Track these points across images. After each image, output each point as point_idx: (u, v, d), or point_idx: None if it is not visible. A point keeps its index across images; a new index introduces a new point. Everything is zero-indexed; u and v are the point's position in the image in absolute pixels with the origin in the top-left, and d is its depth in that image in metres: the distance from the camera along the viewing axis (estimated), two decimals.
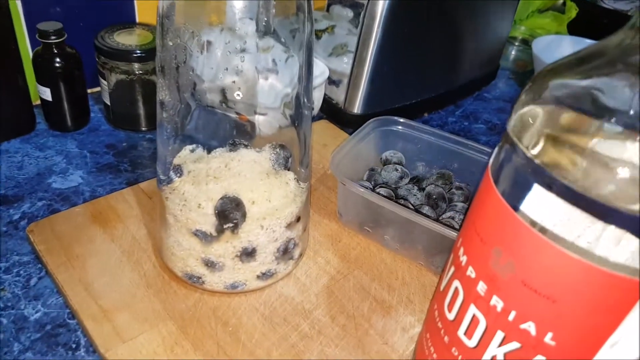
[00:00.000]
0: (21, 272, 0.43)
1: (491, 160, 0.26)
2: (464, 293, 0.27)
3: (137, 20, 0.64)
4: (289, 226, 0.40)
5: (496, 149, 0.26)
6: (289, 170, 0.40)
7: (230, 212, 0.37)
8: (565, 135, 0.22)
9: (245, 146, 0.40)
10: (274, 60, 0.38)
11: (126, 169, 0.55)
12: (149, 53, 0.56)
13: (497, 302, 0.25)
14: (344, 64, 0.64)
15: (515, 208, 0.23)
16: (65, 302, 0.41)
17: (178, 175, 0.39)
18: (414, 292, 0.43)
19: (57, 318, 0.40)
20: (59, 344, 0.38)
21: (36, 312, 0.40)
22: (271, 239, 0.39)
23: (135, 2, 0.63)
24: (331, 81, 0.65)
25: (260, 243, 0.39)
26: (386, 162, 0.52)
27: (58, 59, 0.55)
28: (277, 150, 0.40)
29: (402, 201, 0.47)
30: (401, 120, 0.53)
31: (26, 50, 0.58)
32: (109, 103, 0.59)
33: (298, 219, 0.41)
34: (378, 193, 0.46)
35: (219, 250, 0.39)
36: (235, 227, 0.38)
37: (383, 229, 0.45)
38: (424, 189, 0.49)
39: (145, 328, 0.38)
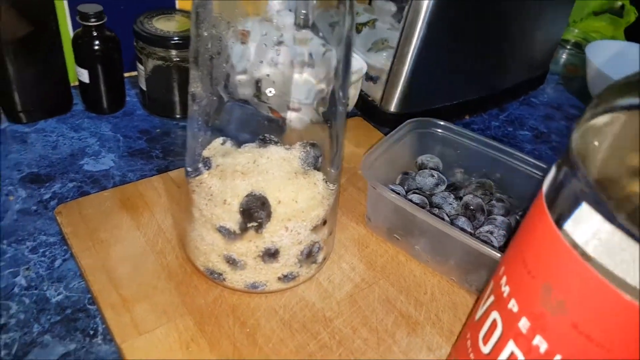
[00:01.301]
0: (47, 252, 0.43)
1: (546, 182, 0.24)
2: (503, 327, 0.25)
3: (177, 6, 0.64)
4: (315, 229, 0.39)
5: (552, 170, 0.24)
6: (318, 170, 0.39)
7: (255, 211, 0.36)
8: (637, 161, 0.19)
9: (275, 143, 0.38)
10: (310, 54, 0.36)
11: (157, 155, 0.55)
12: (186, 40, 0.55)
13: (540, 343, 0.23)
14: (383, 59, 0.62)
15: (572, 242, 0.21)
16: (87, 287, 0.40)
17: (206, 168, 0.38)
18: (443, 310, 0.41)
19: (77, 302, 0.40)
20: (78, 329, 0.38)
21: (58, 295, 0.40)
22: (295, 242, 0.38)
23: None
24: (368, 77, 0.63)
25: (284, 245, 0.38)
26: (421, 167, 0.50)
27: (97, 42, 0.54)
28: (308, 148, 0.38)
29: (436, 210, 0.45)
30: (441, 122, 0.50)
31: (67, 31, 0.58)
32: (145, 88, 0.59)
33: (324, 223, 0.40)
34: (411, 200, 0.44)
35: (242, 249, 0.38)
36: (259, 227, 0.37)
37: (414, 238, 0.43)
38: (461, 198, 0.46)
39: (162, 321, 0.38)
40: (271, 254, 0.38)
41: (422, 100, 0.62)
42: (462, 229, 0.40)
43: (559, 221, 0.22)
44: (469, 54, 0.62)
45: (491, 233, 0.43)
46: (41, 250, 0.43)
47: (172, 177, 0.50)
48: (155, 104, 0.59)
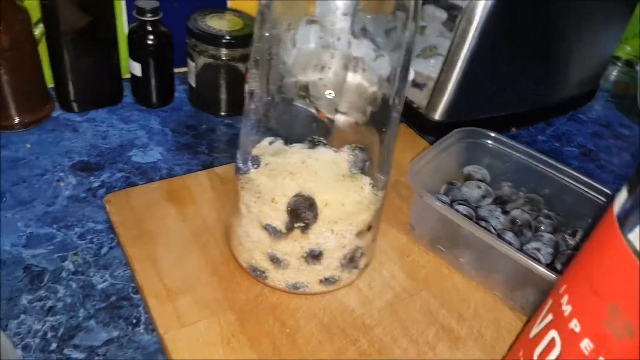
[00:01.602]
0: (94, 239, 0.44)
1: (617, 202, 0.23)
2: (561, 347, 0.24)
3: (228, 5, 0.64)
4: (359, 234, 0.39)
5: (624, 190, 0.23)
6: (365, 174, 0.38)
7: (302, 212, 0.37)
8: None
9: (324, 145, 0.38)
10: (362, 59, 0.36)
11: (203, 151, 0.56)
12: (237, 40, 0.56)
13: None
14: (431, 66, 0.62)
15: None
16: (132, 276, 0.41)
17: (255, 166, 0.38)
18: (487, 326, 0.40)
19: (122, 290, 0.41)
20: (121, 316, 0.39)
21: (103, 282, 0.41)
22: (339, 245, 0.38)
23: None
24: (415, 84, 0.63)
25: (328, 247, 0.38)
26: (468, 178, 0.49)
27: (151, 37, 0.56)
28: (356, 152, 0.38)
29: (482, 223, 0.44)
30: (491, 133, 0.49)
31: (122, 25, 0.60)
32: (194, 85, 0.59)
33: (369, 228, 0.39)
34: (457, 210, 0.44)
35: (286, 248, 0.38)
36: (305, 227, 0.37)
37: (459, 250, 0.42)
38: (507, 212, 0.45)
39: (205, 315, 0.38)
40: (315, 256, 0.38)
41: (468, 110, 0.61)
42: (511, 244, 0.39)
43: (631, 242, 0.21)
44: (519, 66, 0.61)
45: (538, 250, 0.42)
46: (89, 237, 0.44)
47: (218, 173, 0.51)
48: (203, 100, 0.60)
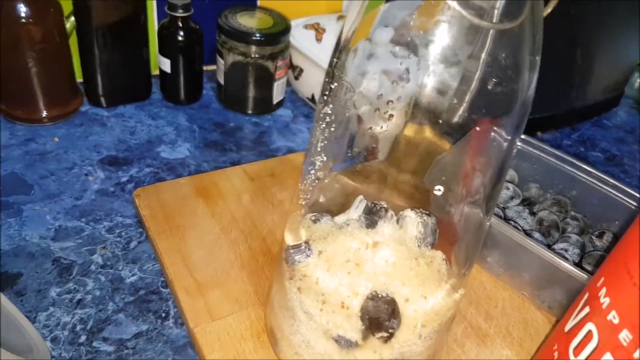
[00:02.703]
0: (123, 233, 0.45)
1: None
2: (599, 339, 0.24)
3: (259, 4, 0.65)
4: (446, 330, 0.32)
5: None
6: (434, 247, 0.31)
7: (385, 320, 0.29)
8: None
9: (385, 211, 0.31)
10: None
11: (231, 148, 0.56)
12: (267, 37, 0.56)
13: None
14: (452, 74, 0.61)
15: None
16: (162, 270, 0.41)
17: (307, 255, 0.31)
18: (514, 325, 0.40)
19: (151, 284, 0.41)
20: (150, 310, 0.39)
21: (132, 276, 0.41)
22: (426, 347, 0.31)
23: None
24: (438, 91, 0.63)
25: (414, 352, 0.31)
26: None
27: (182, 33, 0.56)
28: (425, 219, 0.30)
29: (510, 223, 0.44)
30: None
31: (153, 21, 0.60)
32: (222, 82, 0.60)
33: (454, 318, 0.33)
34: None
35: (360, 358, 0.31)
36: (389, 338, 0.29)
37: (487, 249, 0.42)
38: (535, 214, 0.45)
39: (235, 309, 0.38)
40: None
41: None
42: (539, 242, 0.39)
43: None
44: (544, 70, 0.61)
45: (565, 251, 0.42)
46: (117, 231, 0.45)
47: (246, 169, 0.51)
48: (231, 98, 0.61)
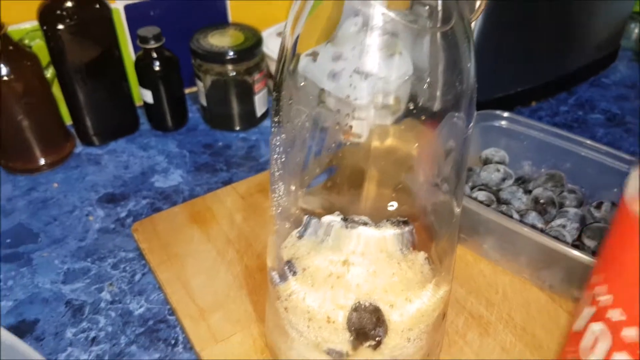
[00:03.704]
0: (127, 268, 0.46)
1: (630, 187, 0.22)
2: (612, 338, 0.23)
3: (230, 20, 0.65)
4: (436, 327, 0.33)
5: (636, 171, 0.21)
6: (415, 248, 0.31)
7: (370, 329, 0.30)
8: None
9: (363, 223, 0.30)
10: None
11: (221, 168, 0.57)
12: (240, 54, 0.56)
13: None
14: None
15: None
16: (166, 299, 0.42)
17: (292, 273, 0.31)
18: (516, 309, 0.39)
19: (158, 314, 0.42)
20: (160, 339, 0.40)
21: (140, 307, 0.43)
22: (418, 348, 0.32)
23: (227, 1, 0.64)
24: None
25: (405, 354, 0.32)
26: (486, 162, 0.48)
27: (157, 63, 0.57)
28: (401, 226, 0.30)
29: (504, 207, 0.43)
30: (505, 114, 0.48)
31: (129, 55, 0.61)
32: (205, 104, 0.60)
33: (444, 315, 0.33)
34: (475, 198, 0.43)
35: None
36: (377, 345, 0.30)
37: (481, 237, 0.42)
38: (530, 192, 0.44)
39: (237, 329, 0.39)
40: None
41: (483, 89, 0.59)
42: (532, 226, 0.39)
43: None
44: (532, 37, 0.60)
45: (563, 227, 0.41)
46: (122, 266, 0.46)
47: (236, 188, 0.52)
48: (216, 117, 0.61)
